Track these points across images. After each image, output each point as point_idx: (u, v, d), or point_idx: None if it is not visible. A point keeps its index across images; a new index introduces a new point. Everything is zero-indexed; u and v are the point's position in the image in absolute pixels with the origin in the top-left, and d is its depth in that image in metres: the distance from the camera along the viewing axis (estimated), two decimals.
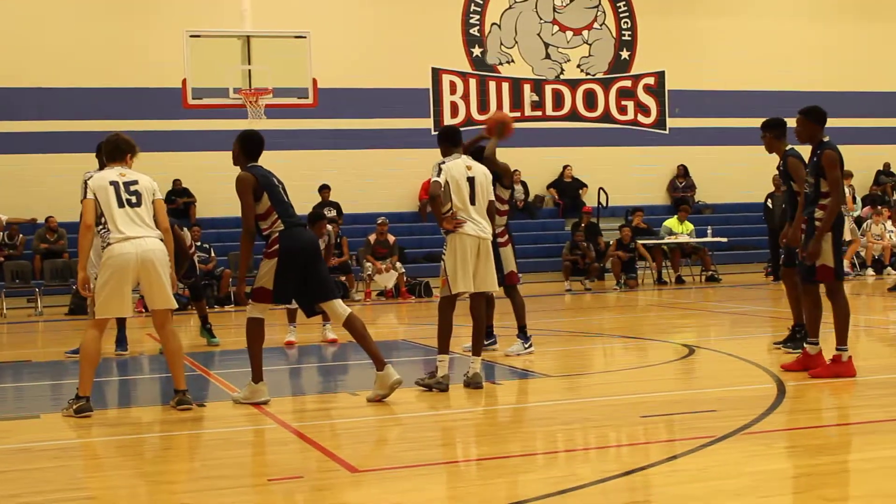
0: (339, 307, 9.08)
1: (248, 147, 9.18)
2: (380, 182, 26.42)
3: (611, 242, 24.18)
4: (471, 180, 9.63)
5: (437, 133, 10.04)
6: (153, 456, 7.51)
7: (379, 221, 22.87)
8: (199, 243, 19.94)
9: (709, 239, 24.65)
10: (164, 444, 7.88)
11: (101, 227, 8.68)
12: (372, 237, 22.77)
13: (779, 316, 15.31)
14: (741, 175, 28.26)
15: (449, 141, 9.89)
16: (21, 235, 23.22)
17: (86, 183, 8.84)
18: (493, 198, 9.86)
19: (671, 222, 24.87)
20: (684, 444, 7.05)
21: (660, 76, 29.10)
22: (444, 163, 9.65)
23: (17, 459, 7.16)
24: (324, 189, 25.14)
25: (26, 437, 7.92)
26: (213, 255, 21.72)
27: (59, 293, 21.65)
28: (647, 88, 29.06)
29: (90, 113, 24.33)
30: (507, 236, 11.85)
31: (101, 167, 11.87)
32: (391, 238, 22.83)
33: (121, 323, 13.07)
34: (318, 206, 23.96)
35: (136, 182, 8.80)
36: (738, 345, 12.47)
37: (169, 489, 6.36)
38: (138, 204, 8.72)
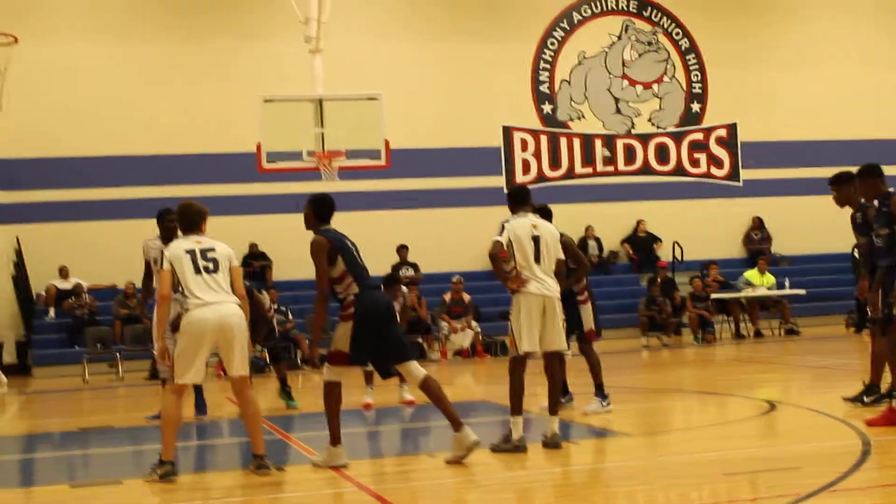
0: (415, 369, 9.08)
1: (319, 210, 9.24)
2: (453, 241, 26.43)
3: (686, 297, 23.98)
4: (536, 239, 9.59)
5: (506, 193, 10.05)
6: None
7: (454, 280, 22.91)
8: (276, 306, 20.08)
9: (787, 291, 24.34)
10: None
11: (178, 294, 8.74)
12: (447, 296, 22.81)
13: (865, 369, 15.05)
14: (817, 225, 27.87)
15: (517, 200, 9.91)
16: (90, 296, 23.54)
17: (162, 253, 8.94)
18: (561, 257, 9.81)
19: (751, 274, 24.62)
20: (768, 502, 6.95)
21: (731, 128, 28.95)
22: (507, 221, 9.66)
23: None
24: (402, 249, 25.27)
25: (109, 503, 7.99)
26: (290, 317, 21.89)
27: (139, 358, 21.87)
28: (720, 141, 28.91)
29: (167, 179, 24.72)
30: (586, 293, 11.84)
31: (163, 234, 12.09)
32: (466, 297, 22.84)
33: (199, 387, 13.14)
34: (397, 266, 24.09)
35: (212, 249, 8.87)
36: (821, 399, 12.26)
37: None
38: (215, 270, 8.78)
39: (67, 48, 25.13)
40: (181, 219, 9.11)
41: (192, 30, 25.79)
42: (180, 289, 8.70)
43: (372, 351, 9.05)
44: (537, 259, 9.53)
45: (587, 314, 11.85)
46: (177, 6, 25.82)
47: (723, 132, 28.87)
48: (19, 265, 24.34)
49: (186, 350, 8.66)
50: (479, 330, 22.56)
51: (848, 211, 11.04)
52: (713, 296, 23.87)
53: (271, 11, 24.85)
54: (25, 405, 17.53)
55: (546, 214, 11.25)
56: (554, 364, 9.72)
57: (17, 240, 24.39)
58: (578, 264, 11.40)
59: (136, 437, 12.29)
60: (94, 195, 25.01)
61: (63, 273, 24.32)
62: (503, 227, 9.59)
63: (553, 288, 9.59)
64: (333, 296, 9.01)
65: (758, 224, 28.58)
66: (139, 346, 21.86)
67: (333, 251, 8.95)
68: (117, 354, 21.92)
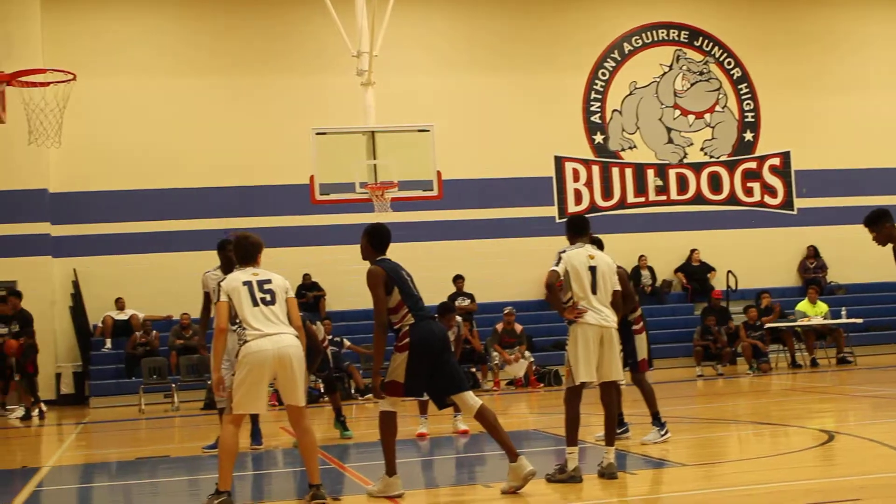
0: (470, 399, 9.09)
1: (375, 240, 9.31)
2: (506, 271, 26.48)
3: (740, 326, 23.81)
4: (592, 269, 9.59)
5: (563, 221, 10.02)
6: None
7: (506, 311, 22.88)
8: (330, 336, 20.16)
9: (843, 321, 24.07)
10: None
11: (236, 326, 8.81)
12: (500, 326, 22.79)
13: None
14: (874, 254, 27.38)
15: (575, 230, 9.92)
16: (155, 332, 23.84)
17: (219, 285, 9.00)
18: (618, 287, 9.80)
19: (803, 305, 24.39)
20: None
21: (785, 156, 28.79)
22: (564, 252, 9.65)
23: None
24: (458, 279, 25.29)
25: None
26: (346, 343, 21.99)
27: (194, 388, 22.06)
28: (773, 169, 28.76)
29: (221, 211, 25.00)
30: (641, 323, 11.84)
31: (223, 264, 12.26)
32: (518, 327, 22.81)
33: (255, 417, 13.22)
34: (453, 296, 24.10)
35: (269, 281, 8.93)
36: (881, 429, 12.12)
37: None
38: (272, 302, 8.83)
39: (123, 83, 25.50)
40: (237, 251, 9.19)
41: (245, 64, 26.08)
42: (237, 321, 8.77)
43: (427, 381, 9.07)
44: (594, 289, 9.52)
45: (641, 344, 11.86)
46: (229, 41, 26.12)
47: (776, 161, 28.72)
48: (76, 297, 24.63)
49: (245, 381, 8.70)
50: (532, 359, 22.51)
51: None
52: (767, 325, 23.64)
53: (323, 45, 25.05)
54: (83, 435, 17.69)
55: (597, 245, 11.24)
56: (610, 394, 9.70)
57: (75, 272, 24.69)
58: (626, 298, 11.38)
59: (192, 467, 12.36)
60: (150, 227, 25.31)
61: (119, 304, 24.60)
62: (560, 258, 9.59)
63: (610, 318, 9.58)
64: (389, 326, 9.05)
65: (813, 253, 28.36)
66: (195, 377, 22.04)
67: (390, 281, 9.01)
68: (173, 385, 22.10)
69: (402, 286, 9.05)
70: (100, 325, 24.57)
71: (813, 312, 24.06)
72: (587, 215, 10.99)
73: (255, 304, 8.76)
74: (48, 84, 15.43)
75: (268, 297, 8.82)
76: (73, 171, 24.89)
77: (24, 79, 15.16)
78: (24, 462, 13.73)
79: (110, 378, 23.52)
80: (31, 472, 12.46)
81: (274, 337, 8.69)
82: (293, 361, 8.71)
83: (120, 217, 25.21)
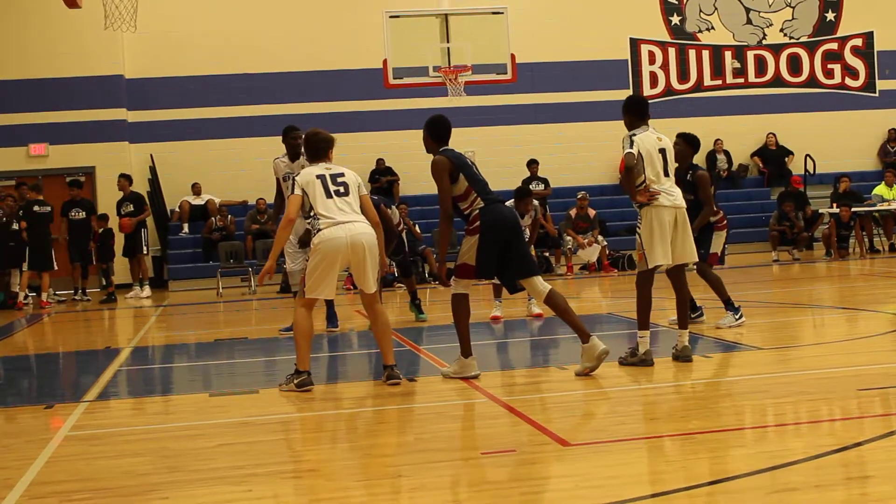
0: (540, 284, 9.12)
1: (436, 131, 9.30)
2: (580, 155, 26.32)
3: (820, 212, 23.49)
4: (662, 151, 9.49)
5: (623, 103, 9.77)
6: (367, 430, 7.69)
7: (579, 196, 22.79)
8: (409, 221, 20.22)
9: None
10: (377, 417, 8.06)
11: (310, 217, 8.94)
12: (573, 211, 22.73)
13: None
14: None
15: (635, 112, 9.73)
16: (231, 216, 24.11)
17: (293, 179, 9.11)
18: (676, 165, 9.77)
19: (880, 189, 24.02)
20: None
21: (868, 37, 28.10)
22: (634, 134, 9.52)
23: (239, 433, 7.44)
24: (532, 164, 25.18)
25: (247, 412, 8.23)
26: (418, 231, 22.09)
27: None
28: (855, 50, 28.10)
29: (295, 96, 25.04)
30: (724, 221, 11.85)
31: (289, 151, 12.36)
32: (591, 212, 22.74)
33: (329, 301, 13.36)
34: (527, 181, 24.04)
35: (342, 174, 9.08)
36: None
37: (384, 462, 6.51)
38: (346, 194, 8.98)
39: None
40: (308, 148, 9.29)
41: None
42: (311, 213, 8.89)
43: (497, 264, 9.11)
44: (665, 172, 9.44)
45: (719, 240, 11.88)
46: None
47: (858, 41, 28.04)
48: (153, 182, 24.93)
49: (318, 268, 8.85)
50: (605, 244, 22.46)
51: None
52: (855, 208, 23.27)
53: None
54: (163, 318, 18.05)
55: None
56: (682, 276, 9.65)
57: (152, 157, 24.96)
58: (705, 203, 11.43)
59: (269, 349, 12.56)
60: (225, 113, 25.45)
61: (196, 190, 24.89)
62: (632, 140, 9.47)
63: (681, 199, 9.51)
64: (459, 213, 9.09)
65: (894, 136, 27.82)
66: None
67: (455, 169, 9.02)
68: (249, 269, 22.41)
69: (467, 172, 9.07)
70: (177, 210, 24.91)
71: (890, 195, 23.69)
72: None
73: (329, 195, 8.90)
74: None
75: (341, 189, 8.97)
76: (149, 57, 25.02)
77: None
78: (106, 343, 14.06)
79: (188, 262, 23.92)
80: (114, 352, 12.77)
81: (347, 225, 8.81)
82: (365, 248, 8.85)
83: (195, 102, 25.38)
